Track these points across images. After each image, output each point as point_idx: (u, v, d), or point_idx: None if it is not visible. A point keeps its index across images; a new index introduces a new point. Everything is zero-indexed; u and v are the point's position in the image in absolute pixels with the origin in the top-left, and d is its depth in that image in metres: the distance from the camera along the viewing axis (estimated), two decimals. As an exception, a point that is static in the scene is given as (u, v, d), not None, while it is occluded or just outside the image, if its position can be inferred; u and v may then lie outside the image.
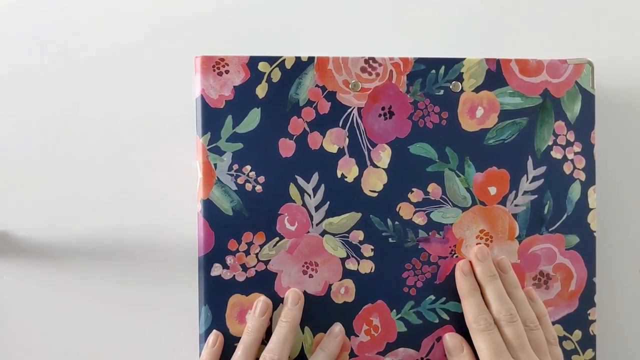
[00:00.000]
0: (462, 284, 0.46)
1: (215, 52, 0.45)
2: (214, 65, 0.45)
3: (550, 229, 0.48)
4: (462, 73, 0.47)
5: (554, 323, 0.48)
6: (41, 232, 0.48)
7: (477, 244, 0.47)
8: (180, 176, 0.48)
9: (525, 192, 0.48)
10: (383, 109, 0.46)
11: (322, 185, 0.46)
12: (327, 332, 0.45)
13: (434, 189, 0.47)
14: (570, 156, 0.48)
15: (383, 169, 0.46)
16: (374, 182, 0.46)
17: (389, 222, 0.46)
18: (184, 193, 0.47)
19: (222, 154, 0.45)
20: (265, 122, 0.45)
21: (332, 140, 0.46)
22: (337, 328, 0.45)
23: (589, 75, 0.48)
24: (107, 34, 0.48)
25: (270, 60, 0.45)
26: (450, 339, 0.46)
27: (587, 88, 0.48)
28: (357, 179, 0.46)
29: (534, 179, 0.48)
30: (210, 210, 0.45)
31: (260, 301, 0.44)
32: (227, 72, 0.45)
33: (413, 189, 0.47)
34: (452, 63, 0.47)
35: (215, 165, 0.45)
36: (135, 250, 0.48)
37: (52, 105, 0.48)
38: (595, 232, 0.48)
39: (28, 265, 0.47)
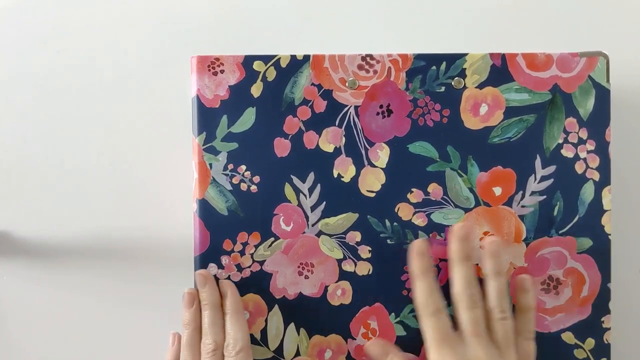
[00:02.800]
0: (416, 264, 0.44)
1: (212, 52, 0.45)
2: (209, 65, 0.44)
3: (560, 232, 0.46)
4: (465, 69, 0.45)
5: (564, 330, 0.46)
6: (41, 232, 0.49)
7: (462, 225, 0.45)
8: (177, 176, 0.48)
9: (533, 193, 0.45)
10: (381, 107, 0.45)
11: (318, 185, 0.45)
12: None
13: (434, 189, 0.45)
14: (582, 155, 0.45)
15: (381, 168, 0.45)
16: (372, 182, 0.45)
17: (387, 223, 0.45)
18: (180, 193, 0.48)
19: (217, 153, 0.45)
20: (261, 121, 0.45)
21: (329, 140, 0.45)
22: (224, 286, 0.44)
23: (603, 69, 0.45)
24: (105, 34, 0.49)
25: (265, 59, 0.45)
26: (372, 347, 0.45)
27: (601, 82, 0.45)
28: (354, 179, 0.45)
29: (543, 178, 0.45)
30: (205, 210, 0.45)
31: (185, 294, 0.44)
32: (222, 71, 0.44)
33: (412, 189, 0.45)
34: (453, 59, 0.45)
35: (210, 165, 0.45)
36: (132, 249, 0.48)
37: (52, 105, 0.49)
38: (610, 235, 0.45)
39: (28, 265, 0.49)
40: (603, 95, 0.45)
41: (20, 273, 0.49)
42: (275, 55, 0.45)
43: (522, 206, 0.45)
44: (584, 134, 0.46)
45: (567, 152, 0.45)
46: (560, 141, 0.46)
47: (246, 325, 0.44)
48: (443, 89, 0.45)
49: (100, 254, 0.48)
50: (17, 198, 0.49)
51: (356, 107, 0.45)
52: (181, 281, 0.47)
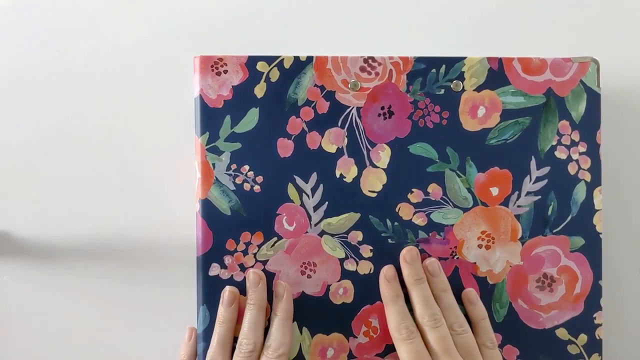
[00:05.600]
0: (385, 290, 0.45)
1: (215, 53, 0.45)
2: (213, 65, 0.45)
3: (554, 231, 0.47)
4: (463, 72, 0.46)
5: (558, 326, 0.47)
6: (41, 232, 0.48)
7: (408, 249, 0.46)
8: (179, 176, 0.48)
9: (528, 193, 0.47)
10: (382, 108, 0.46)
11: (321, 186, 0.45)
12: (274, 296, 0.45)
13: (434, 189, 0.46)
14: (575, 156, 0.47)
15: (382, 169, 0.46)
16: (373, 182, 0.46)
17: (388, 222, 0.46)
18: (183, 193, 0.47)
19: (220, 153, 0.45)
20: (264, 121, 0.45)
21: (331, 140, 0.45)
22: (280, 288, 0.45)
23: (594, 74, 0.47)
24: (108, 34, 0.49)
25: (269, 60, 0.45)
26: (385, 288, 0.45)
27: (592, 87, 0.47)
28: (356, 179, 0.46)
29: (538, 179, 0.47)
30: (208, 210, 0.45)
31: (226, 291, 0.44)
32: (225, 72, 0.45)
33: (413, 190, 0.46)
34: (452, 62, 0.46)
35: (213, 165, 0.45)
36: (134, 249, 0.48)
37: (53, 106, 0.49)
38: (601, 233, 0.47)
39: (28, 265, 0.48)
40: (594, 99, 0.47)
41: (20, 273, 0.48)
42: (278, 56, 0.45)
43: (518, 206, 0.47)
44: (576, 137, 0.47)
45: (561, 154, 0.47)
46: (554, 143, 0.47)
47: (292, 332, 0.44)
48: (442, 91, 0.46)
49: (101, 254, 0.48)
50: (17, 198, 0.48)
51: (358, 109, 0.46)
52: (183, 281, 0.46)
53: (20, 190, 0.48)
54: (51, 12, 0.49)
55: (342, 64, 0.45)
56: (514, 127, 0.47)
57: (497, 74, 0.46)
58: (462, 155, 0.46)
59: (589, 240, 0.47)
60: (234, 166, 0.45)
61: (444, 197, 0.46)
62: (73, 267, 0.48)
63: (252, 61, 0.45)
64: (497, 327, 0.47)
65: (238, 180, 0.45)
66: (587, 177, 0.47)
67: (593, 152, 0.47)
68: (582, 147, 0.47)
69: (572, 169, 0.47)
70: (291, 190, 0.45)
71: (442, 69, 0.46)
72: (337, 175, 0.46)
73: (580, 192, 0.47)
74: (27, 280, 0.48)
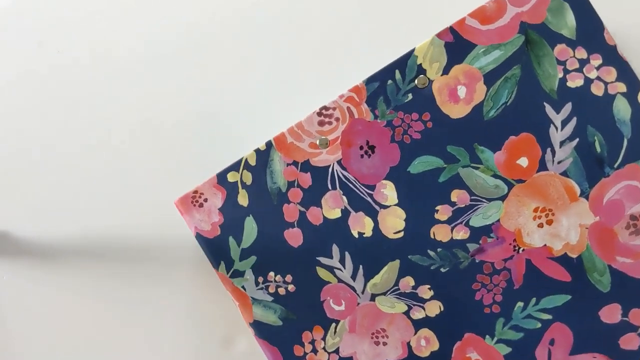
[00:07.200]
0: None
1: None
2: (192, 201, 0.44)
3: (615, 165, 0.39)
4: (421, 64, 0.41)
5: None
6: (41, 232, 0.48)
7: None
8: (178, 175, 0.48)
9: (562, 143, 0.40)
10: (361, 148, 0.42)
11: (346, 253, 0.42)
12: None
13: (458, 195, 0.41)
14: (592, 75, 0.39)
15: (395, 205, 0.42)
16: (394, 222, 0.42)
17: (431, 253, 0.41)
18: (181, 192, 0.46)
19: (243, 274, 0.44)
20: (262, 224, 0.43)
21: (330, 206, 0.42)
22: None
23: (563, -23, 0.39)
24: (106, 34, 0.49)
25: (235, 167, 0.43)
26: None
27: (569, -9, 0.39)
28: (376, 229, 0.42)
29: (564, 123, 0.40)
30: (261, 329, 0.44)
31: None
32: (205, 200, 0.44)
33: (437, 208, 0.41)
34: (404, 62, 0.41)
35: (243, 287, 0.44)
36: (134, 249, 0.48)
37: (52, 106, 0.49)
38: (675, 138, 0.38)
39: (28, 265, 0.48)
40: (580, 2, 0.39)
41: (20, 273, 0.49)
42: (241, 159, 0.43)
43: (558, 162, 0.40)
44: (582, 54, 0.39)
45: (575, 82, 0.39)
46: (561, 75, 0.39)
47: None
48: (410, 96, 0.41)
49: (101, 254, 0.48)
50: (17, 198, 0.49)
51: (339, 162, 0.42)
52: (183, 280, 0.47)
53: (20, 190, 0.49)
54: (50, 12, 0.49)
55: (300, 130, 0.43)
56: (506, 85, 0.40)
57: (457, 45, 0.40)
58: (468, 146, 0.41)
59: (664, 153, 0.39)
60: (260, 279, 0.44)
61: (473, 197, 0.41)
62: (73, 267, 0.48)
63: (222, 177, 0.44)
64: (609, 298, 0.40)
65: (271, 289, 0.44)
66: (621, 87, 0.39)
67: (612, 57, 0.39)
68: (596, 60, 0.39)
69: (597, 89, 0.39)
70: (322, 272, 0.43)
71: (398, 75, 0.41)
72: (356, 235, 0.42)
73: (622, 108, 0.39)
74: (27, 280, 0.48)
